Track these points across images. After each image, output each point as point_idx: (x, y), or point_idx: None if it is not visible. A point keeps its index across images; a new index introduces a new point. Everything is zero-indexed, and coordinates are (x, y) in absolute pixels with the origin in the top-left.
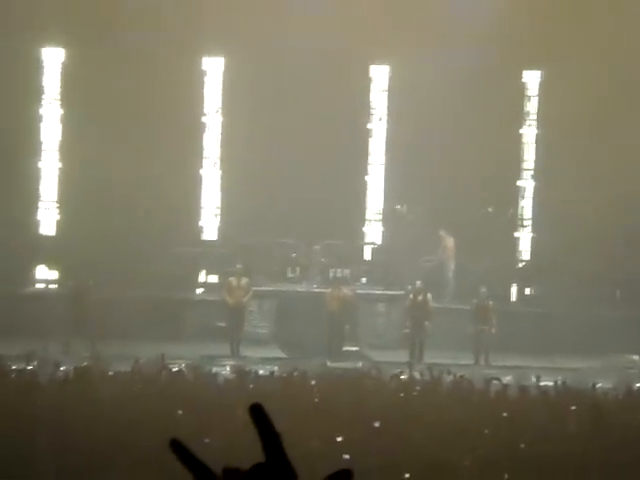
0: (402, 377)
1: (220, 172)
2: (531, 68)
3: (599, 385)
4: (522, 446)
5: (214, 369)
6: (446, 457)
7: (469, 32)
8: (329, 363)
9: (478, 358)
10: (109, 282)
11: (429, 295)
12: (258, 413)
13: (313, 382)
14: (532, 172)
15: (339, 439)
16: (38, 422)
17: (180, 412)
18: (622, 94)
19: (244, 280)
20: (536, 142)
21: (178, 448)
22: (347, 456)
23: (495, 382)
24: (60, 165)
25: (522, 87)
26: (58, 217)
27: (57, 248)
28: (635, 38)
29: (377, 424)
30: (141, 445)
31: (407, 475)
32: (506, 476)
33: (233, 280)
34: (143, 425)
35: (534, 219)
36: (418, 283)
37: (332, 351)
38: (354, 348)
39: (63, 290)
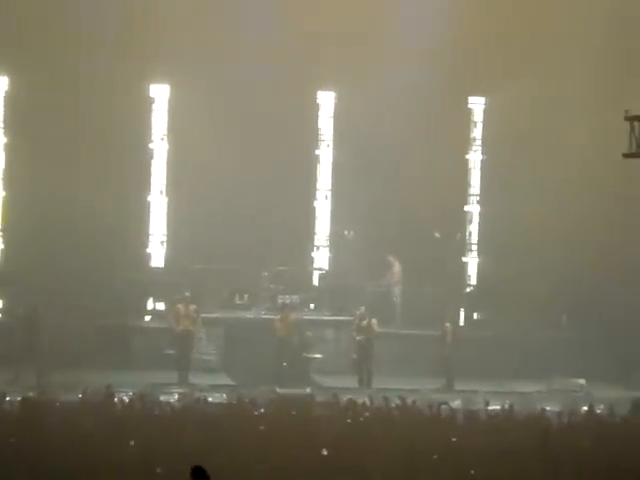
0: (349, 403)
1: (167, 199)
2: (476, 94)
3: (547, 408)
4: (472, 472)
5: (162, 397)
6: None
7: (416, 59)
8: (278, 389)
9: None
10: (56, 310)
11: (374, 320)
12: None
13: (262, 410)
14: (478, 197)
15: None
16: None
17: (132, 442)
18: (563, 110)
19: (192, 307)
20: (482, 167)
21: (200, 477)
22: None
23: (444, 407)
24: (3, 193)
25: (468, 113)
26: (2, 245)
27: (3, 276)
28: (573, 54)
29: (325, 452)
30: (92, 476)
31: None
32: None
33: (181, 307)
34: (93, 455)
35: (480, 244)
36: (362, 309)
37: (281, 377)
38: (303, 374)
39: (10, 318)
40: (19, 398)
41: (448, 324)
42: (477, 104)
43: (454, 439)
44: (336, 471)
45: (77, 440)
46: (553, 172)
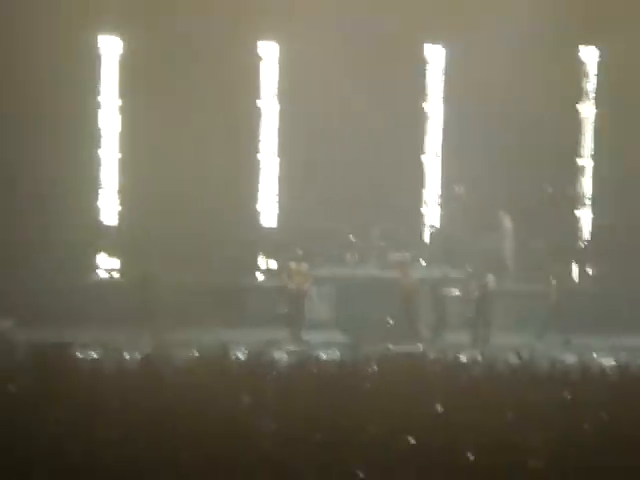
0: (464, 360)
1: (278, 158)
2: (588, 44)
3: None
4: (585, 427)
5: (276, 354)
6: (512, 439)
7: (523, 8)
8: (391, 346)
9: (541, 337)
10: (172, 270)
11: (490, 277)
12: None
13: (375, 367)
14: (592, 151)
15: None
16: (103, 411)
17: (247, 399)
18: None
19: (304, 265)
20: (595, 120)
21: None
22: (413, 440)
23: (558, 363)
24: (120, 155)
25: (580, 64)
26: (119, 206)
27: (119, 237)
28: None
29: (440, 409)
30: (209, 433)
31: (471, 456)
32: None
33: (293, 265)
34: (210, 413)
35: (594, 198)
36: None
37: (394, 334)
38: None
39: (127, 279)
40: (138, 356)
41: (554, 281)
42: (590, 54)
43: (569, 396)
44: (451, 425)
45: (194, 395)
46: None
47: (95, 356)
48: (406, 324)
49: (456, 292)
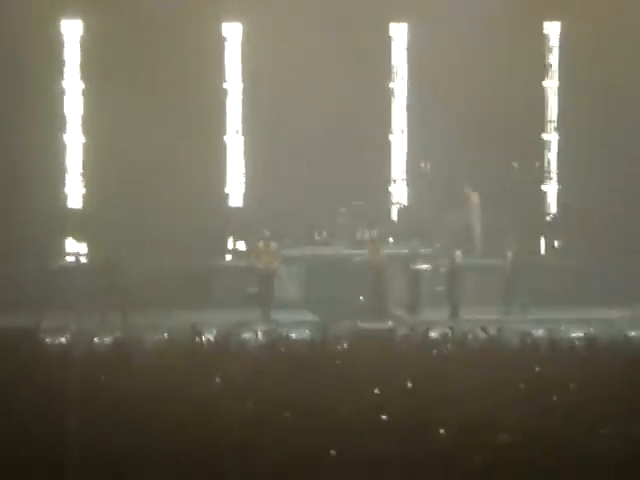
0: (433, 335)
1: (243, 138)
2: (551, 19)
3: (632, 334)
4: (554, 398)
5: (246, 334)
6: (481, 412)
7: None
8: (360, 324)
9: (509, 312)
10: (138, 252)
11: (458, 252)
12: None
13: (345, 345)
14: (555, 125)
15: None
16: (72, 394)
17: (218, 379)
18: None
19: (272, 245)
20: (559, 94)
21: None
22: (384, 417)
23: (526, 336)
24: (84, 139)
25: (543, 38)
26: (84, 190)
27: (85, 221)
28: None
29: (410, 384)
30: (180, 415)
31: (442, 431)
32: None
33: (261, 245)
34: (180, 396)
35: (560, 171)
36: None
37: (362, 311)
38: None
39: (94, 262)
40: (107, 339)
41: (510, 253)
42: (553, 29)
43: (537, 368)
44: (422, 402)
45: (165, 377)
46: (634, 96)
47: (63, 341)
48: (375, 302)
49: (425, 268)
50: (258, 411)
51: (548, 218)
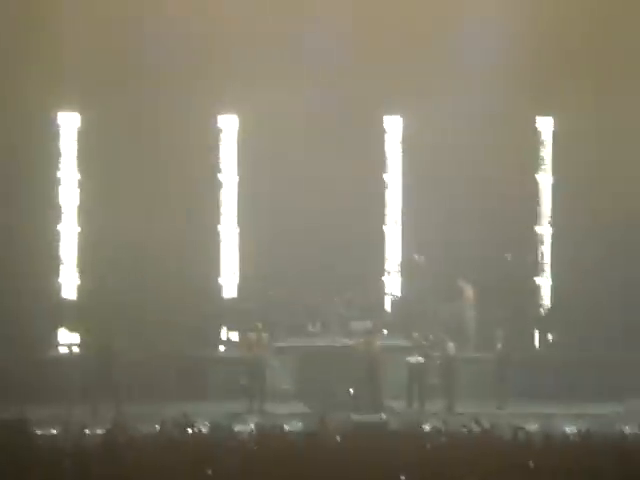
0: (426, 428)
1: (238, 229)
2: (544, 114)
3: (627, 429)
4: None
5: (238, 427)
6: None
7: (478, 79)
8: (353, 416)
9: (502, 406)
10: (131, 342)
11: (451, 344)
12: None
13: (338, 438)
14: (549, 218)
15: None
16: None
17: (209, 472)
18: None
19: (264, 335)
20: (552, 188)
21: None
22: None
23: (520, 431)
24: (78, 229)
25: (536, 133)
26: (78, 281)
27: (78, 312)
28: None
29: (403, 478)
30: None
31: None
32: None
33: (252, 336)
34: None
35: (553, 265)
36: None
37: (356, 404)
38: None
39: (87, 353)
40: (99, 431)
41: (499, 345)
42: (545, 124)
43: (532, 463)
44: None
45: (157, 472)
46: (629, 188)
47: (54, 432)
48: (369, 394)
49: (419, 360)
50: None
51: (542, 311)
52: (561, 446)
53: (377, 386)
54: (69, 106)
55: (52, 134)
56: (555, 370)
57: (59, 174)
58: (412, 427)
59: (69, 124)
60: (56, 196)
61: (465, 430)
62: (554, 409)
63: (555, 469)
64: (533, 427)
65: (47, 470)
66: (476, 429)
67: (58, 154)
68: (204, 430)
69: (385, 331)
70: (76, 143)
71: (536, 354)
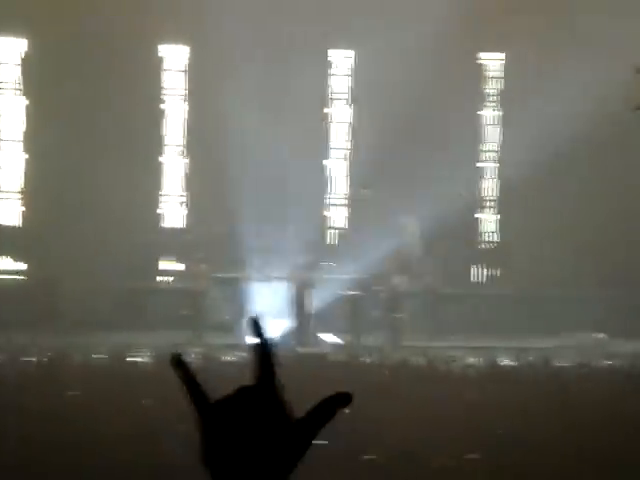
0: (369, 361)
1: (184, 159)
2: (490, 50)
3: (565, 364)
4: (499, 432)
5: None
6: (413, 438)
7: (427, 13)
8: (299, 349)
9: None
10: (74, 273)
11: (397, 278)
12: (255, 324)
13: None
14: (494, 154)
15: None
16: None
17: (144, 402)
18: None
19: (204, 267)
20: (497, 123)
21: (179, 364)
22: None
23: (457, 363)
24: (26, 156)
25: (481, 68)
26: (22, 208)
27: (22, 239)
28: None
29: (347, 411)
30: (109, 437)
31: (373, 457)
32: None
33: (194, 267)
34: (111, 418)
35: (498, 200)
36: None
37: (301, 337)
38: (323, 333)
39: (29, 281)
40: (35, 359)
41: (397, 278)
42: (491, 59)
43: (470, 396)
44: (356, 428)
45: (95, 400)
46: (566, 125)
47: None
48: (300, 326)
49: (363, 293)
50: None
51: (482, 246)
52: (499, 378)
53: (307, 318)
54: (13, 31)
55: None
56: (493, 305)
57: (1, 100)
58: (353, 359)
59: (13, 49)
60: None
61: (406, 362)
62: (491, 343)
63: (489, 400)
64: (472, 360)
65: None
66: (416, 362)
67: (0, 80)
68: (146, 360)
69: (329, 264)
70: (20, 69)
71: (474, 288)
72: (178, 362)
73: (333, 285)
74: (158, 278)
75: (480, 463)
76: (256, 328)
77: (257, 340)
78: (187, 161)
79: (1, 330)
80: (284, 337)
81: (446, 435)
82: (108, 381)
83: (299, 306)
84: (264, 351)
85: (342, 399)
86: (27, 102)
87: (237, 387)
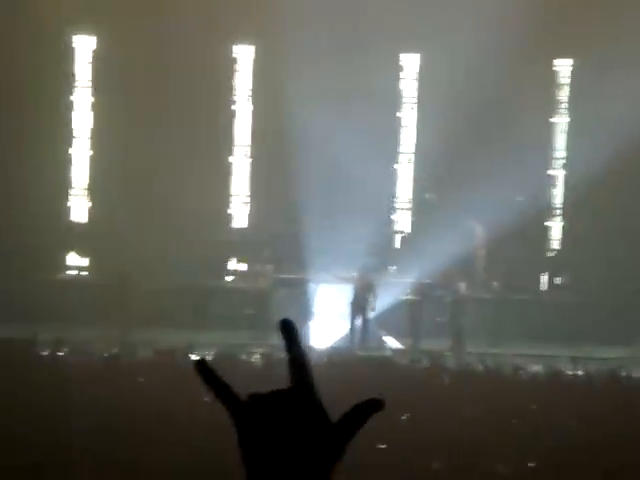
0: (428, 366)
1: (250, 160)
2: (562, 56)
3: (632, 375)
4: (560, 441)
5: (243, 357)
6: (474, 445)
7: (499, 18)
8: (359, 352)
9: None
10: (141, 270)
11: (462, 284)
12: (289, 327)
13: (340, 370)
14: (564, 161)
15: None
16: (66, 409)
17: (207, 399)
18: None
19: (269, 267)
20: (567, 130)
21: (203, 369)
22: (383, 445)
23: (522, 372)
24: (91, 152)
25: (553, 75)
26: (90, 204)
27: (88, 236)
28: None
29: (405, 417)
30: (171, 436)
31: (435, 465)
32: (532, 465)
33: (260, 267)
34: (174, 415)
35: (565, 207)
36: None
37: (361, 340)
38: (385, 336)
39: (97, 277)
40: (105, 355)
41: (462, 284)
42: (563, 65)
43: (534, 406)
44: (416, 433)
45: (157, 398)
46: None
47: (61, 354)
48: (362, 329)
49: (415, 298)
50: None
51: (551, 254)
52: (563, 388)
53: (368, 322)
54: (85, 29)
55: (67, 56)
56: (562, 313)
57: (72, 97)
58: (416, 364)
59: (85, 47)
60: (69, 119)
61: (469, 369)
62: (559, 351)
63: (556, 410)
64: (536, 368)
65: (52, 390)
66: (480, 368)
67: (72, 77)
68: (209, 358)
69: (393, 268)
70: (91, 67)
71: (543, 296)
72: (201, 368)
73: (396, 289)
74: (226, 278)
75: (538, 472)
76: (288, 332)
77: (289, 344)
78: (252, 161)
79: (68, 324)
80: (345, 339)
81: (505, 442)
82: (171, 377)
83: (361, 309)
84: (297, 355)
85: (375, 405)
86: (98, 99)
87: (272, 389)
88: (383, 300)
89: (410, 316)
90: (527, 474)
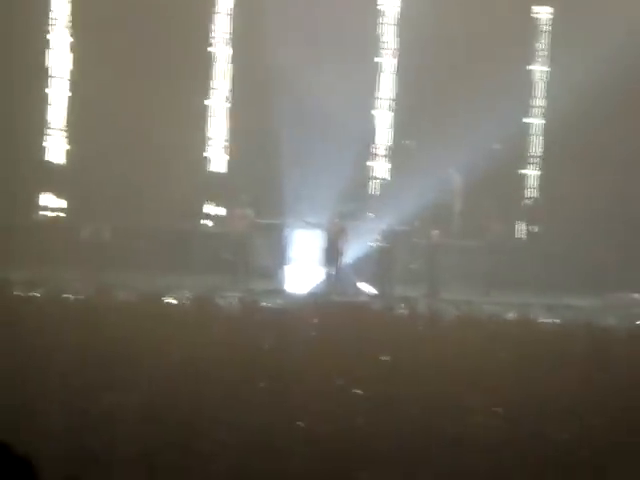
0: (402, 311)
1: (229, 104)
2: (542, 4)
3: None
4: (530, 388)
5: (219, 301)
6: (451, 392)
7: None
8: (335, 297)
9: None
10: (118, 211)
11: (436, 231)
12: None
13: (315, 320)
14: (541, 110)
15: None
16: (38, 349)
17: (189, 344)
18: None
19: (248, 211)
20: (545, 79)
21: None
22: (359, 391)
23: (495, 318)
24: (69, 94)
25: (533, 23)
26: (67, 146)
27: (64, 176)
28: None
29: (384, 358)
30: (144, 377)
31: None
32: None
33: (237, 211)
34: (148, 358)
35: (542, 157)
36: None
37: (338, 285)
38: (359, 283)
39: (73, 219)
40: (80, 297)
41: (436, 231)
42: (543, 14)
43: (504, 351)
44: (393, 377)
45: (134, 337)
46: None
47: (36, 295)
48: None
49: (385, 245)
50: (229, 376)
51: (528, 203)
52: (537, 335)
53: (343, 268)
54: None
55: None
56: (537, 262)
57: (50, 37)
58: (389, 310)
59: None
60: (46, 59)
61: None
62: (533, 299)
63: (529, 356)
64: (509, 316)
65: (28, 330)
66: (453, 314)
67: (50, 16)
68: (183, 302)
69: (371, 215)
70: (71, 6)
71: (520, 245)
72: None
73: (372, 235)
74: (204, 221)
75: (505, 417)
76: None
77: None
78: (231, 105)
79: (43, 265)
80: (321, 285)
81: (475, 388)
82: (148, 320)
83: (336, 255)
84: None
85: None
86: (73, 39)
87: None
88: (358, 247)
89: (380, 262)
90: (492, 419)
